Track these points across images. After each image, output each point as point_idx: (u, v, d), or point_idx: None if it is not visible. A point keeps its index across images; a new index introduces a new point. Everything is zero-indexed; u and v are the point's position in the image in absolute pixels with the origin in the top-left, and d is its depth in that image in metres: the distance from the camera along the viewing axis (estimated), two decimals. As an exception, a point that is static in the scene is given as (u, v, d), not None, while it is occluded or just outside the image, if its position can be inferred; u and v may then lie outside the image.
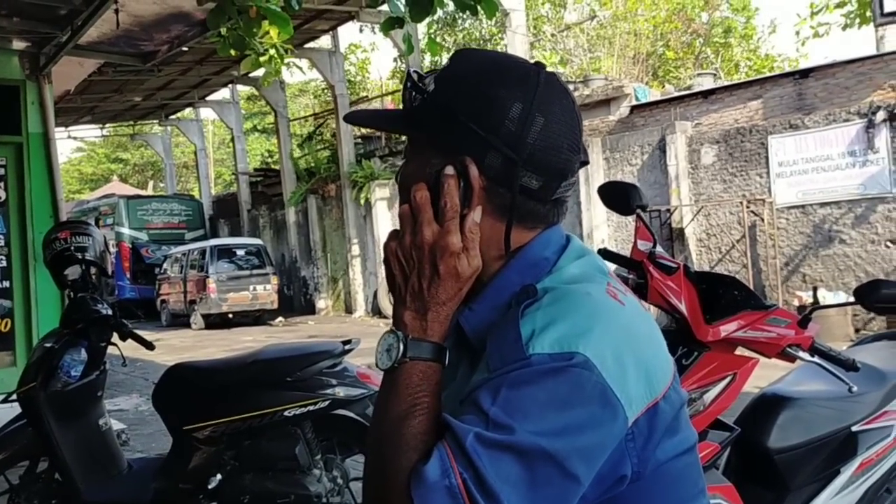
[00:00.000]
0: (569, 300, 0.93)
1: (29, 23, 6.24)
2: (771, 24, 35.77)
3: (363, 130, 18.87)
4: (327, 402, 3.56)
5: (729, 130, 11.72)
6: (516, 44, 14.91)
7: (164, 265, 19.24)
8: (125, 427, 6.19)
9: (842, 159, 10.48)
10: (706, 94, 12.55)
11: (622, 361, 0.89)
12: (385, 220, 16.97)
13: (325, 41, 18.75)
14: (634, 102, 13.37)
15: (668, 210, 12.04)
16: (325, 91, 24.03)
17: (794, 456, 2.38)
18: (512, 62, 1.02)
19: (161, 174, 33.26)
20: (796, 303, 10.14)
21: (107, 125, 26.95)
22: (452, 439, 0.85)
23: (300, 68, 17.46)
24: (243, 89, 25.04)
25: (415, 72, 1.02)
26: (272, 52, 6.20)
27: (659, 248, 2.45)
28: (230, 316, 17.33)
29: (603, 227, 12.99)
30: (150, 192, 33.07)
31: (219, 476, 3.50)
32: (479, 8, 4.33)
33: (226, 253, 17.98)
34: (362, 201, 17.26)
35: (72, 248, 3.78)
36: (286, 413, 3.50)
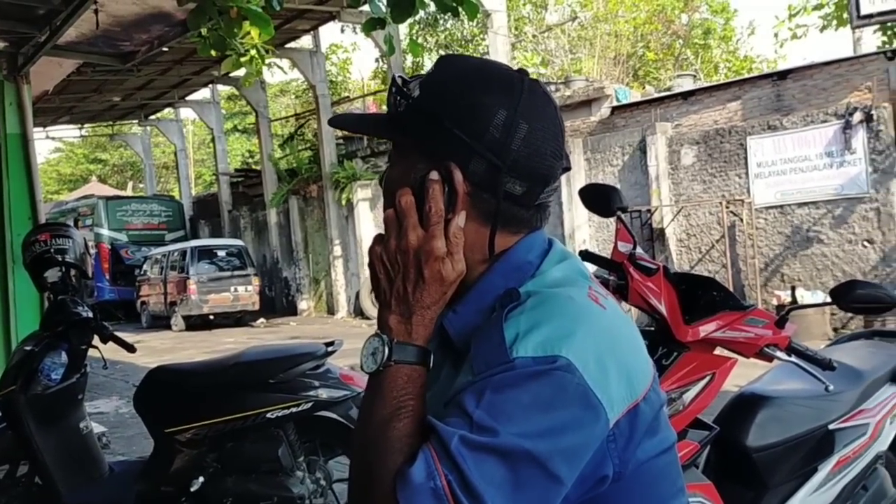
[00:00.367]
0: (552, 304, 0.94)
1: (7, 23, 6.17)
2: (749, 25, 36.13)
3: (345, 131, 18.81)
4: (310, 404, 3.56)
5: (708, 131, 11.82)
6: (498, 45, 14.94)
7: (144, 266, 19.10)
8: (105, 430, 6.15)
9: (819, 160, 10.60)
10: (686, 96, 12.64)
11: (604, 364, 0.91)
12: (367, 221, 16.95)
13: (306, 41, 18.70)
14: (615, 103, 13.44)
15: (649, 210, 12.11)
16: (307, 91, 23.96)
17: (772, 454, 2.42)
18: (496, 69, 1.04)
19: (140, 175, 33.00)
20: (775, 302, 10.24)
21: (85, 125, 26.71)
22: (437, 442, 0.86)
23: (281, 68, 17.42)
24: (224, 89, 24.90)
25: (400, 77, 1.03)
26: (253, 52, 6.18)
27: (639, 250, 2.48)
28: (211, 317, 17.24)
29: (584, 228, 13.06)
30: (129, 192, 32.77)
31: (201, 478, 3.49)
32: (460, 9, 4.34)
33: (206, 254, 17.87)
34: (344, 202, 17.23)
35: (52, 250, 3.75)
36: (269, 415, 3.50)
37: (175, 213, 23.03)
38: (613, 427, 0.92)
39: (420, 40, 22.08)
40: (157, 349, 12.31)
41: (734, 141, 11.41)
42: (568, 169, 1.07)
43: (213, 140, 24.85)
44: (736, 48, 24.92)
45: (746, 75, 16.82)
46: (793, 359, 2.29)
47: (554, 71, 21.82)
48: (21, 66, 6.61)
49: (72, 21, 5.87)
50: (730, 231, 11.49)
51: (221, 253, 18.01)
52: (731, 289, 2.52)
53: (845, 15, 14.79)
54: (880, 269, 10.15)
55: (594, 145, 13.05)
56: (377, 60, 24.29)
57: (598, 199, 2.54)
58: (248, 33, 5.61)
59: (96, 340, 3.72)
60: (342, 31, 19.96)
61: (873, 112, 10.05)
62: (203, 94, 23.35)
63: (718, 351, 2.37)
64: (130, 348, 3.77)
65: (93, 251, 18.80)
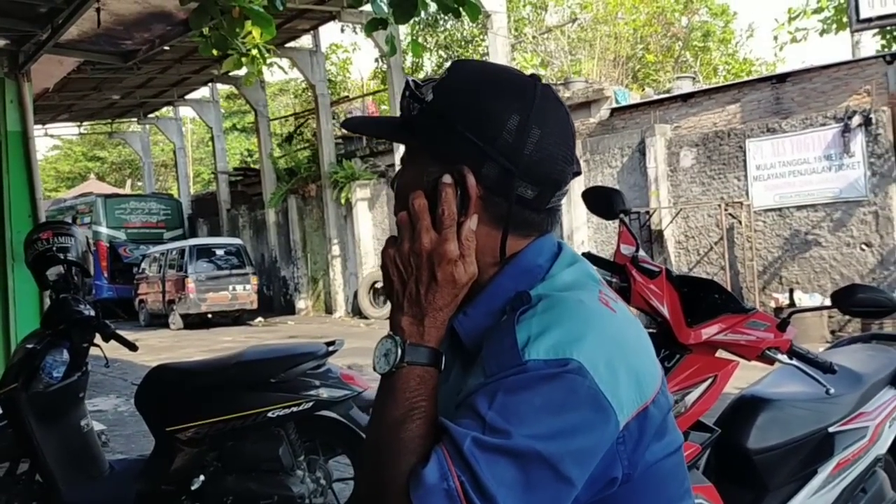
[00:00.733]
0: (563, 307, 0.95)
1: (8, 20, 6.17)
2: (749, 28, 36.16)
3: (344, 130, 18.83)
4: (311, 404, 3.57)
5: (707, 134, 11.83)
6: (497, 46, 14.94)
7: (143, 265, 19.09)
8: (105, 428, 6.15)
9: (818, 163, 10.61)
10: (685, 98, 12.65)
11: (614, 368, 0.92)
12: (366, 221, 16.95)
13: (306, 41, 18.70)
14: (614, 105, 13.45)
15: (648, 212, 12.13)
16: (306, 90, 23.94)
17: (772, 456, 2.43)
18: (509, 74, 1.05)
19: (139, 173, 32.96)
20: (773, 305, 10.25)
21: (84, 123, 26.69)
22: (450, 443, 0.87)
23: (281, 68, 17.44)
24: (223, 88, 24.89)
25: (413, 81, 1.04)
26: (254, 52, 6.18)
27: (641, 253, 2.50)
28: (209, 316, 17.24)
29: (583, 229, 13.07)
30: (128, 190, 32.75)
31: (202, 477, 3.50)
32: (461, 10, 4.35)
33: (205, 253, 17.87)
34: (343, 201, 17.23)
35: (54, 248, 3.76)
36: (269, 414, 3.51)
37: (174, 212, 23.02)
38: (623, 429, 0.93)
39: (420, 40, 22.06)
40: (155, 348, 12.30)
41: (733, 143, 11.43)
42: (578, 173, 1.08)
43: (212, 139, 24.85)
44: (735, 51, 24.94)
45: (746, 78, 16.85)
46: (794, 362, 2.31)
47: (553, 72, 21.83)
48: (22, 63, 6.62)
49: (73, 19, 5.88)
50: (728, 233, 11.51)
51: (220, 252, 18.01)
52: (730, 291, 2.53)
53: (845, 19, 14.82)
54: (878, 272, 10.17)
55: (593, 147, 13.07)
56: (377, 60, 24.28)
57: (601, 201, 2.55)
58: (250, 33, 5.62)
59: (98, 339, 3.73)
60: (342, 30, 19.96)
61: (872, 116, 10.07)
62: (202, 92, 23.34)
63: (719, 353, 2.38)
64: (132, 347, 3.78)
65: (91, 249, 18.80)
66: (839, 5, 16.86)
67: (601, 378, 0.90)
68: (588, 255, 2.55)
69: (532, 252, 1.04)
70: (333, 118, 18.93)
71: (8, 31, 6.35)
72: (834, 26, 17.52)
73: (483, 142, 0.98)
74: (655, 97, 14.01)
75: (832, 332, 9.99)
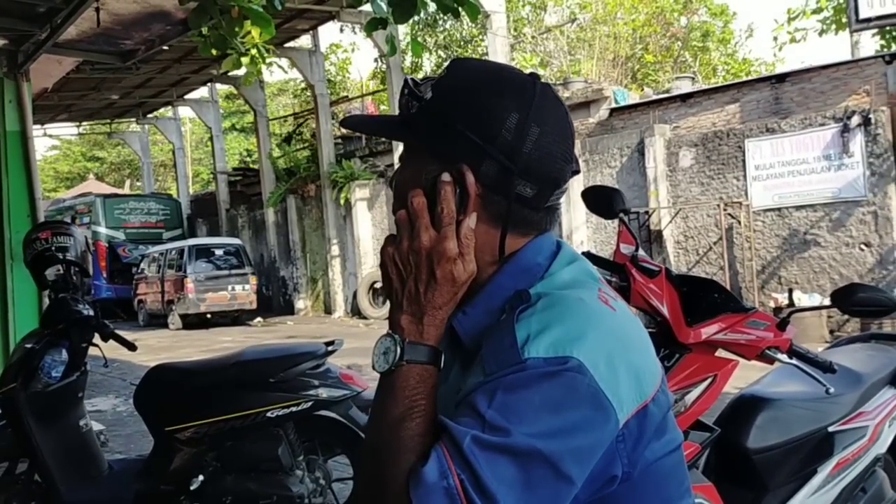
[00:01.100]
0: (562, 306, 0.95)
1: (7, 20, 6.16)
2: (748, 28, 36.15)
3: (343, 130, 18.84)
4: (310, 403, 3.57)
5: (707, 134, 11.84)
6: (497, 46, 14.95)
7: (142, 265, 19.09)
8: (104, 428, 6.14)
9: (817, 163, 10.62)
10: (684, 98, 12.65)
11: (614, 366, 0.92)
12: (365, 221, 16.95)
13: (305, 40, 18.69)
14: (613, 105, 13.45)
15: (647, 212, 12.13)
16: (305, 90, 23.94)
17: (772, 456, 2.43)
18: (508, 73, 1.05)
19: (138, 173, 32.95)
20: (772, 304, 10.26)
21: (83, 123, 26.68)
22: (450, 441, 0.87)
23: (281, 68, 17.43)
24: (222, 88, 24.89)
25: (412, 79, 1.04)
26: (253, 52, 6.18)
27: (641, 252, 2.49)
28: (208, 316, 17.23)
29: (582, 229, 13.07)
30: (127, 190, 32.77)
31: (201, 477, 3.50)
32: (461, 10, 4.36)
33: (204, 253, 17.87)
34: (342, 201, 17.22)
35: (53, 248, 3.76)
36: (269, 414, 3.51)
37: (173, 212, 23.01)
38: (623, 427, 0.93)
39: (419, 41, 22.06)
40: (154, 347, 12.30)
41: (732, 143, 11.43)
42: (577, 172, 1.07)
43: (211, 139, 24.85)
44: (734, 51, 24.95)
45: (745, 78, 16.85)
46: (794, 361, 2.31)
47: (553, 72, 21.84)
48: (21, 63, 6.61)
49: (72, 19, 5.87)
50: (727, 233, 11.52)
51: (219, 252, 18.01)
52: (729, 290, 2.54)
53: (844, 19, 14.84)
54: (877, 271, 10.17)
55: (592, 147, 13.07)
56: (376, 60, 24.28)
57: (601, 201, 2.55)
58: (249, 33, 5.62)
59: (97, 338, 3.73)
60: (341, 30, 20.00)
61: (871, 116, 10.07)
62: (201, 92, 23.35)
63: (719, 353, 2.38)
64: (131, 346, 3.78)
65: (90, 249, 18.78)
66: (838, 5, 16.86)
67: (601, 376, 0.90)
68: (588, 255, 2.54)
69: (531, 251, 1.04)
70: (333, 118, 18.92)
71: (7, 30, 6.34)
72: (833, 26, 17.53)
73: (482, 140, 0.98)
74: (654, 97, 14.01)
75: (831, 332, 10.00)
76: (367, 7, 4.67)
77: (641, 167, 12.33)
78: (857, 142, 10.21)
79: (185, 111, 26.29)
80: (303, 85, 23.97)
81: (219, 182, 23.18)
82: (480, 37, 21.32)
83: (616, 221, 2.56)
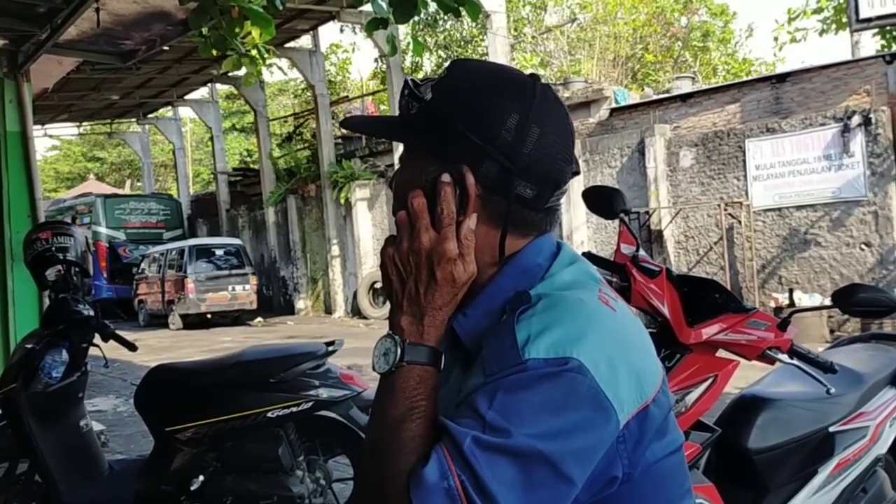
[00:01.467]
0: (563, 306, 0.95)
1: (7, 20, 6.16)
2: (748, 28, 36.15)
3: (343, 130, 18.83)
4: (310, 404, 3.57)
5: (707, 134, 11.83)
6: (497, 46, 14.95)
7: (142, 265, 19.09)
8: (104, 428, 6.14)
9: (818, 163, 10.62)
10: (685, 98, 12.65)
11: (614, 366, 0.92)
12: (365, 221, 16.95)
13: (305, 41, 18.70)
14: (614, 105, 13.45)
15: (647, 212, 12.13)
16: (306, 91, 23.95)
17: (773, 456, 2.43)
18: (509, 73, 1.04)
19: (139, 173, 32.96)
20: (772, 305, 10.25)
21: (84, 123, 26.69)
22: (450, 442, 0.87)
23: (281, 69, 17.42)
24: (222, 88, 24.91)
25: (412, 80, 1.04)
26: (254, 52, 6.18)
27: (642, 252, 2.49)
28: (209, 316, 17.23)
29: (583, 229, 13.07)
30: (127, 191, 32.77)
31: (201, 477, 3.50)
32: (461, 10, 4.35)
33: (204, 253, 17.87)
34: (342, 201, 17.23)
35: (53, 248, 3.76)
36: (269, 414, 3.51)
37: (173, 212, 23.02)
38: (623, 428, 0.93)
39: (419, 41, 22.06)
40: (154, 348, 12.30)
41: (732, 143, 11.43)
42: (577, 173, 1.07)
43: (211, 139, 24.85)
44: (735, 51, 24.95)
45: (745, 78, 16.84)
46: (794, 362, 2.30)
47: (553, 72, 21.84)
48: (21, 63, 6.61)
49: (73, 19, 5.87)
50: (728, 233, 11.51)
51: (219, 252, 18.01)
52: (730, 291, 2.54)
53: (844, 19, 14.83)
54: (877, 271, 10.17)
55: (593, 147, 13.07)
56: (376, 61, 24.29)
57: (601, 201, 2.55)
58: (249, 33, 5.62)
59: (97, 339, 3.73)
60: (342, 31, 19.99)
61: (871, 115, 10.07)
62: (202, 92, 23.36)
63: (720, 353, 2.38)
64: (131, 347, 3.78)
65: (91, 249, 18.77)
66: (839, 5, 16.86)
67: (602, 377, 0.90)
68: (588, 255, 2.55)
69: (531, 251, 1.04)
70: (333, 118, 18.93)
71: (7, 30, 6.34)
72: (833, 26, 17.54)
73: (482, 141, 0.98)
74: (655, 97, 14.01)
75: (832, 332, 9.99)
76: (367, 7, 4.67)
77: (642, 167, 12.33)
78: (858, 141, 10.21)
79: (185, 111, 26.33)
80: (303, 85, 23.98)
81: (219, 182, 23.19)
82: (481, 37, 21.32)
83: (616, 221, 2.56)
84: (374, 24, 4.45)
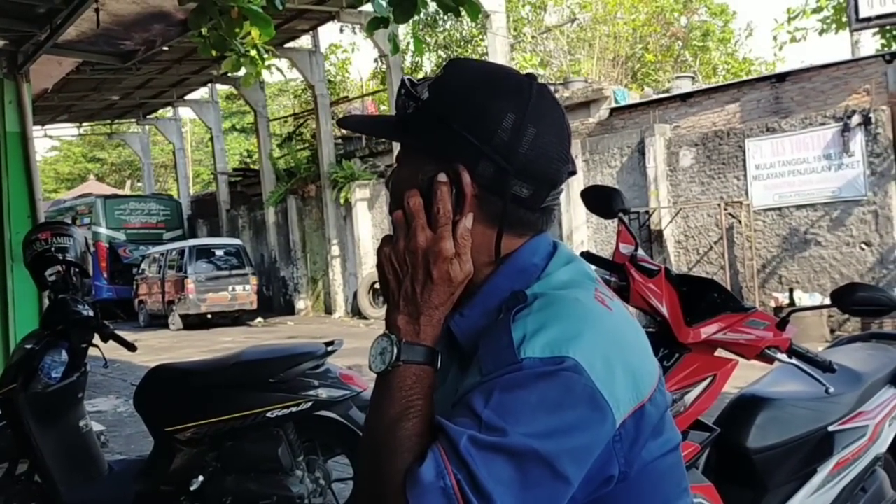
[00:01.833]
0: (559, 306, 0.95)
1: (7, 21, 6.17)
2: (748, 27, 36.12)
3: (343, 131, 18.83)
4: (310, 404, 3.57)
5: (707, 133, 11.83)
6: (497, 45, 14.95)
7: (142, 265, 19.09)
8: (104, 428, 6.15)
9: (818, 162, 10.61)
10: (685, 98, 12.65)
11: (610, 365, 0.92)
12: (365, 221, 16.95)
13: (305, 41, 18.71)
14: (614, 105, 13.45)
15: (647, 212, 12.13)
16: (305, 91, 23.94)
17: (772, 455, 2.42)
18: (505, 73, 1.05)
19: (139, 173, 32.98)
20: (772, 304, 10.25)
21: (84, 124, 26.69)
22: (446, 441, 0.87)
23: (280, 69, 17.40)
24: (222, 88, 24.91)
25: (409, 79, 1.04)
26: (253, 52, 6.18)
27: (640, 252, 2.49)
28: (209, 316, 17.23)
29: (583, 229, 13.07)
30: (127, 191, 32.78)
31: (201, 477, 3.50)
32: (461, 10, 4.36)
33: (204, 253, 17.87)
34: (342, 201, 17.23)
35: (52, 248, 3.76)
36: (269, 414, 3.51)
37: (173, 212, 23.02)
38: (619, 427, 0.93)
39: (420, 39, 22.03)
40: (154, 348, 12.30)
41: (732, 143, 11.43)
42: (573, 173, 1.07)
43: (211, 139, 24.86)
44: (735, 50, 24.95)
45: (745, 78, 16.84)
46: (793, 361, 2.30)
47: (553, 72, 21.84)
48: (21, 64, 6.61)
49: (72, 20, 5.87)
50: (728, 233, 11.51)
51: (219, 252, 18.01)
52: (731, 291, 2.53)
53: (844, 18, 14.83)
54: (877, 271, 10.17)
55: (593, 146, 13.07)
56: (376, 61, 24.27)
57: (600, 200, 2.54)
58: (249, 33, 5.62)
59: (97, 339, 3.73)
60: (341, 31, 20.01)
61: (871, 115, 10.07)
62: (202, 93, 23.36)
63: (719, 353, 2.37)
64: (131, 347, 3.78)
65: (91, 250, 18.77)
66: (838, 5, 16.86)
67: (597, 376, 0.90)
68: (587, 255, 2.54)
69: (527, 251, 1.04)
70: (333, 118, 18.93)
71: (6, 31, 6.34)
72: (833, 26, 17.54)
73: (478, 140, 0.98)
74: (655, 97, 14.00)
75: (831, 332, 9.99)
76: (367, 7, 4.69)
77: (642, 167, 12.33)
78: (858, 141, 10.21)
79: (185, 112, 26.33)
80: (303, 85, 23.98)
81: (219, 182, 23.19)
82: (480, 37, 21.33)
83: (616, 221, 2.56)
84: (375, 24, 4.45)
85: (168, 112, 25.63)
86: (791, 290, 10.51)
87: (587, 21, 22.71)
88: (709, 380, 2.28)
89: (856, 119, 10.13)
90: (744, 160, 11.30)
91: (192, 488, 3.48)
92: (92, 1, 5.61)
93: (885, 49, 15.19)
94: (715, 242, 11.66)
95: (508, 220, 1.01)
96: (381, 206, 16.70)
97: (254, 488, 3.54)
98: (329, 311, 18.32)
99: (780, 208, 11.06)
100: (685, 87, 13.87)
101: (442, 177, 0.98)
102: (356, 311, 16.90)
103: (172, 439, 3.54)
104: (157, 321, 18.14)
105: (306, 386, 3.60)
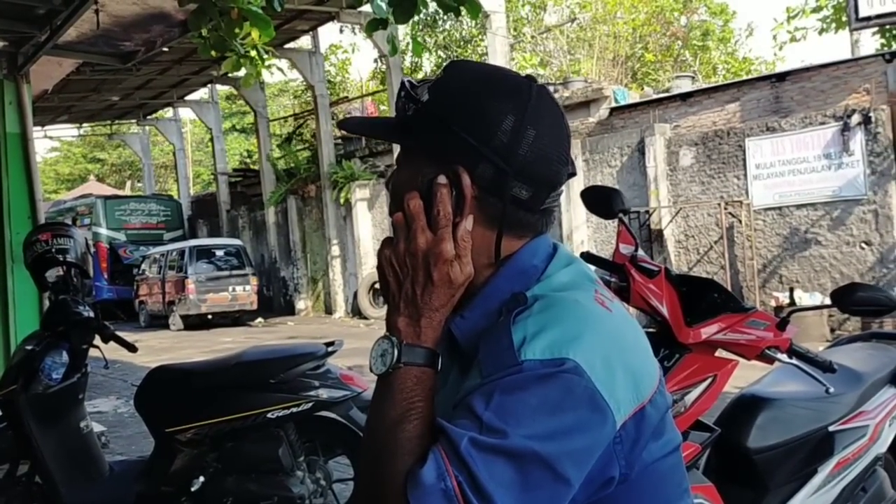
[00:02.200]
0: (559, 307, 0.95)
1: (7, 22, 6.17)
2: (748, 27, 36.13)
3: (343, 131, 18.81)
4: (310, 404, 3.57)
5: (707, 133, 11.83)
6: (496, 45, 14.95)
7: (143, 266, 19.09)
8: (104, 429, 6.15)
9: (818, 162, 10.61)
10: (684, 97, 12.65)
11: (611, 367, 0.92)
12: (365, 221, 16.95)
13: (305, 41, 18.72)
14: (613, 104, 13.44)
15: (647, 212, 12.13)
16: (305, 91, 23.95)
17: (772, 456, 2.43)
18: (505, 75, 1.05)
19: (139, 174, 33.00)
20: (773, 304, 10.25)
21: (84, 125, 26.70)
22: (447, 443, 0.87)
23: (280, 69, 17.41)
24: (222, 89, 24.91)
25: (409, 81, 1.04)
26: (253, 53, 6.18)
27: (641, 252, 2.49)
28: (209, 317, 17.23)
29: (583, 229, 13.07)
30: (127, 192, 32.78)
31: (201, 478, 3.50)
32: (461, 9, 4.36)
33: (205, 253, 17.87)
34: (342, 202, 17.23)
35: (53, 249, 3.76)
36: (269, 415, 3.51)
37: (173, 213, 23.01)
38: (620, 429, 0.93)
39: (419, 41, 22.04)
40: (155, 348, 12.30)
41: (733, 142, 11.43)
42: (573, 174, 1.07)
43: (211, 140, 24.86)
44: (734, 50, 24.95)
45: (745, 77, 16.84)
46: (794, 361, 2.30)
47: (552, 72, 21.84)
48: (21, 65, 6.62)
49: (72, 21, 5.87)
50: (728, 232, 11.51)
51: (220, 252, 18.01)
52: (731, 291, 2.53)
53: (844, 17, 14.82)
54: (878, 270, 10.17)
55: (592, 146, 13.07)
56: (376, 61, 24.27)
57: (600, 200, 2.54)
58: (249, 34, 5.62)
59: (97, 340, 3.73)
60: (341, 31, 20.00)
61: (871, 114, 10.06)
62: (202, 93, 23.38)
63: (719, 353, 2.37)
64: (132, 348, 3.78)
65: (91, 250, 18.76)
66: (838, 4, 16.86)
67: (598, 377, 0.90)
68: (586, 255, 2.55)
69: (527, 253, 1.04)
70: (333, 119, 18.93)
71: (6, 32, 6.34)
72: (833, 25, 17.53)
73: (478, 142, 0.98)
74: (655, 96, 14.00)
75: (832, 331, 9.99)
76: (366, 7, 4.68)
77: (642, 166, 12.32)
78: (858, 140, 10.20)
79: (185, 112, 26.31)
80: (303, 86, 23.99)
81: (219, 183, 23.19)
82: (480, 37, 21.32)
83: (616, 221, 2.56)
84: (374, 25, 4.46)
85: (168, 113, 25.63)
86: (791, 290, 10.51)
87: (587, 21, 22.72)
88: (709, 380, 2.28)
89: (856, 118, 10.13)
90: (744, 160, 11.30)
91: (192, 489, 3.48)
92: (92, 2, 5.62)
93: (885, 48, 15.18)
94: (715, 242, 11.66)
95: (508, 222, 1.01)
96: (381, 206, 16.70)
97: (254, 489, 3.54)
98: (329, 311, 18.32)
99: (780, 208, 11.06)
100: (685, 86, 13.87)
101: (442, 179, 0.98)
102: (356, 312, 16.90)
103: (173, 440, 3.54)
104: (158, 322, 18.14)
105: (307, 386, 3.60)
